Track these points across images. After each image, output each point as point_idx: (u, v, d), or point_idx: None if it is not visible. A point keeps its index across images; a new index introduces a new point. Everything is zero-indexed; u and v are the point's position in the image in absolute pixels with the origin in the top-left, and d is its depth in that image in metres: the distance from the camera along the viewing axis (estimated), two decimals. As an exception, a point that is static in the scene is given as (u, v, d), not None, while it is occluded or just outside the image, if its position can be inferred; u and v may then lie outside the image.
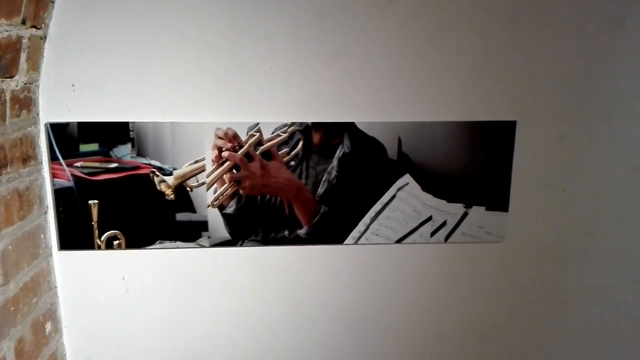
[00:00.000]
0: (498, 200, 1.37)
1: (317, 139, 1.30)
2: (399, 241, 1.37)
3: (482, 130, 1.33)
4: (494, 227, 1.38)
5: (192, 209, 1.33)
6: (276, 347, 1.44)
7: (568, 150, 1.35)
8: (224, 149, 1.29)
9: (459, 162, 1.34)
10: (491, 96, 1.31)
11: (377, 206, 1.35)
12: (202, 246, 1.34)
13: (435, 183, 1.34)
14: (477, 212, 1.37)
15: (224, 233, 1.34)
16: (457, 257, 1.41)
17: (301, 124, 1.29)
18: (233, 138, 1.29)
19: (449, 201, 1.36)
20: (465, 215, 1.37)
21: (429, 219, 1.36)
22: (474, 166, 1.34)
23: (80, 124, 1.24)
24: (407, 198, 1.34)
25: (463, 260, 1.41)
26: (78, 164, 1.27)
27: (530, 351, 1.50)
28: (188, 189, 1.31)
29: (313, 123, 1.29)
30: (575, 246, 1.42)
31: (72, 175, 1.27)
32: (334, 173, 1.32)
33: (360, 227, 1.35)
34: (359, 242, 1.36)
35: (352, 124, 1.29)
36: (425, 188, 1.34)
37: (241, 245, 1.35)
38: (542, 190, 1.38)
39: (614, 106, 1.34)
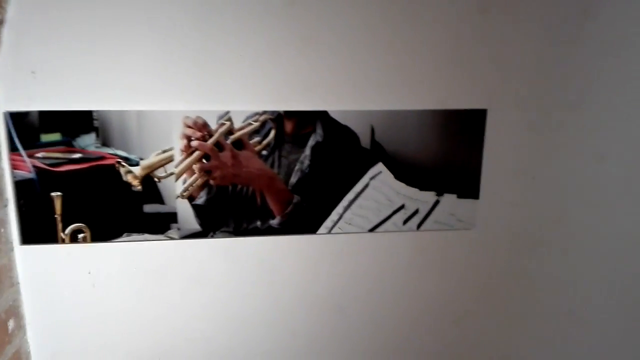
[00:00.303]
0: (469, 188, 1.38)
1: (290, 127, 1.28)
2: (372, 230, 1.37)
3: (454, 119, 1.33)
4: (465, 214, 1.39)
5: (161, 200, 1.29)
6: (251, 339, 1.42)
7: (537, 138, 1.38)
8: (193, 138, 1.26)
9: (431, 151, 1.34)
10: (462, 85, 1.32)
11: (350, 195, 1.34)
12: (172, 238, 1.31)
13: (407, 171, 1.34)
14: (448, 199, 1.38)
15: (194, 224, 1.31)
16: (429, 245, 1.42)
17: (273, 112, 1.27)
18: (202, 127, 1.25)
19: (421, 189, 1.36)
20: (437, 203, 1.38)
21: (402, 207, 1.37)
22: (445, 154, 1.35)
23: (41, 113, 1.19)
24: (380, 187, 1.34)
25: (435, 247, 1.42)
26: (39, 155, 1.21)
27: (500, 335, 1.53)
28: (156, 179, 1.27)
29: (285, 111, 1.27)
30: (544, 232, 1.45)
31: (34, 166, 1.21)
32: (306, 162, 1.30)
33: (334, 216, 1.35)
34: (332, 232, 1.36)
35: (325, 112, 1.28)
36: (398, 177, 1.34)
37: (212, 237, 1.32)
38: (512, 177, 1.40)
39: (582, 94, 1.36)
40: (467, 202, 1.39)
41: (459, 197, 1.38)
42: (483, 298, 1.49)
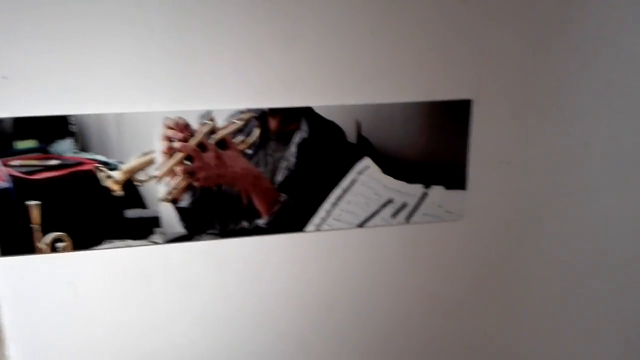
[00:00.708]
0: (457, 179, 1.37)
1: (274, 125, 1.26)
2: (361, 225, 1.36)
3: (440, 110, 1.32)
4: (453, 205, 1.39)
5: (143, 205, 1.25)
6: (239, 341, 1.39)
7: (523, 127, 1.38)
8: (174, 140, 1.22)
9: (418, 143, 1.33)
10: (446, 76, 1.31)
11: (337, 191, 1.32)
12: (156, 243, 1.27)
13: (395, 165, 1.33)
14: (436, 191, 1.37)
15: (178, 228, 1.28)
16: (418, 238, 1.41)
17: (256, 110, 1.24)
18: (184, 128, 1.22)
19: (409, 182, 1.35)
20: (425, 195, 1.37)
21: (390, 201, 1.35)
22: (432, 146, 1.34)
23: (15, 119, 1.14)
24: (367, 181, 1.32)
25: (424, 240, 1.41)
26: (15, 163, 1.16)
27: (492, 324, 1.53)
28: (137, 183, 1.23)
29: (269, 109, 1.24)
30: (532, 219, 1.46)
31: (9, 175, 1.16)
32: (292, 160, 1.28)
33: (322, 213, 1.33)
34: (320, 229, 1.34)
35: (310, 108, 1.26)
36: (385, 170, 1.33)
37: (198, 240, 1.29)
38: (499, 167, 1.39)
39: (566, 82, 1.37)
40: (455, 193, 1.38)
41: (447, 188, 1.38)
42: (473, 288, 1.49)
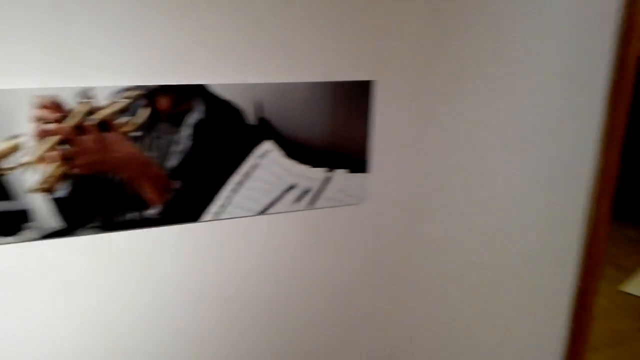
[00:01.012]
0: (359, 162, 1.34)
1: (165, 104, 1.13)
2: (263, 212, 1.28)
3: (342, 92, 1.28)
4: (355, 189, 1.36)
5: (9, 197, 1.08)
6: (133, 344, 1.27)
7: (423, 109, 1.37)
8: (47, 121, 1.06)
9: (322, 126, 1.28)
10: (348, 56, 1.26)
11: (237, 177, 1.23)
12: (28, 240, 1.11)
13: (298, 149, 1.26)
14: (340, 175, 1.33)
15: (55, 222, 1.12)
16: (321, 223, 1.36)
17: (144, 87, 1.11)
18: (58, 107, 1.06)
19: (313, 166, 1.30)
20: (328, 179, 1.32)
21: (294, 186, 1.29)
22: (336, 129, 1.29)
23: None
24: (270, 166, 1.25)
25: (326, 225, 1.37)
26: None
27: (392, 305, 1.54)
28: (1, 172, 1.06)
29: (159, 86, 1.12)
30: (430, 201, 1.47)
31: None
32: (186, 143, 1.17)
33: (220, 201, 1.23)
34: (219, 218, 1.24)
35: (205, 86, 1.15)
36: (289, 154, 1.26)
37: (78, 235, 1.14)
38: (401, 149, 1.38)
39: (466, 63, 1.38)
40: (358, 177, 1.35)
41: (351, 172, 1.34)
42: (374, 271, 1.48)
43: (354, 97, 1.30)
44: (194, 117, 1.16)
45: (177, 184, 1.18)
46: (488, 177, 1.51)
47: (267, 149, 1.23)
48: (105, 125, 1.10)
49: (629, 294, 3.06)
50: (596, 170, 1.64)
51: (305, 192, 1.30)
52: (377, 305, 1.52)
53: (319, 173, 1.31)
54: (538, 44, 1.44)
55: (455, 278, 1.59)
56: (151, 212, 1.18)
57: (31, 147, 1.06)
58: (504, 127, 1.48)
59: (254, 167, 1.23)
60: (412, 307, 1.57)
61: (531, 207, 1.60)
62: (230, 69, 1.16)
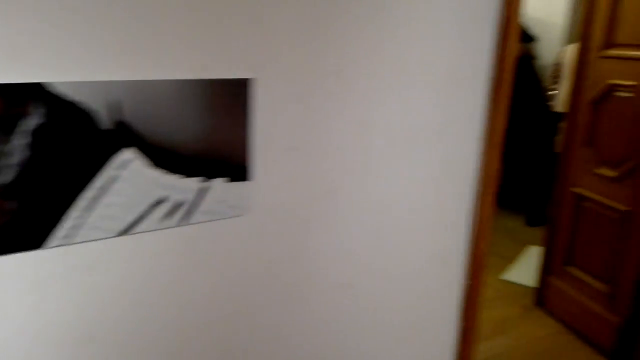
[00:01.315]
0: (240, 169, 1.21)
1: (-13, 107, 0.92)
2: (125, 232, 1.10)
3: (218, 90, 1.13)
4: (237, 199, 1.22)
5: None
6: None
7: (307, 109, 1.27)
8: None
9: (195, 129, 1.12)
10: (224, 51, 1.12)
11: (91, 192, 1.04)
12: None
13: (168, 156, 1.10)
14: (218, 185, 1.19)
15: None
16: (199, 240, 1.21)
17: (-42, 86, 0.88)
18: None
19: (186, 176, 1.14)
20: (205, 190, 1.17)
21: (163, 200, 1.12)
22: (212, 133, 1.15)
23: None
24: (132, 178, 1.07)
25: (205, 242, 1.22)
26: None
27: (286, 321, 1.42)
28: None
29: (-21, 85, 0.90)
30: (318, 207, 1.37)
31: None
32: (22, 154, 0.96)
33: (70, 222, 1.03)
34: (70, 242, 1.04)
35: (43, 85, 0.95)
36: (156, 163, 1.09)
37: None
38: (285, 153, 1.27)
39: (347, 62, 1.30)
40: (239, 186, 1.22)
41: (231, 180, 1.21)
42: (263, 287, 1.35)
43: (231, 97, 1.16)
44: (31, 123, 0.95)
45: (12, 205, 0.96)
46: (376, 179, 1.45)
47: (128, 157, 1.05)
48: None
49: (510, 282, 3.24)
50: (479, 169, 1.66)
51: (178, 206, 1.14)
52: (269, 323, 1.39)
53: (193, 183, 1.15)
54: (421, 42, 1.40)
55: (346, 286, 1.51)
56: (-22, 240, 0.95)
57: None
58: (389, 128, 1.42)
59: (112, 179, 1.05)
60: (306, 321, 1.47)
61: (419, 208, 1.57)
62: (74, 64, 0.96)
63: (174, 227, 1.15)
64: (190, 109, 1.11)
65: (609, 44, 2.40)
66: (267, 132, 1.22)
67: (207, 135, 1.15)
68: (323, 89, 1.27)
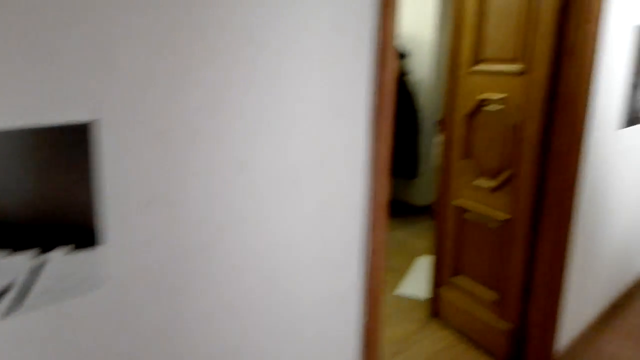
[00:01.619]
0: (87, 233, 0.98)
1: None
2: None
3: (51, 139, 0.90)
4: (86, 271, 0.99)
5: None
6: None
7: (169, 152, 1.07)
8: None
9: (27, 191, 0.88)
10: (54, 91, 0.90)
11: None
12: None
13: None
14: (59, 257, 0.95)
15: None
16: (36, 331, 0.95)
17: None
18: None
19: (13, 250, 0.89)
20: (41, 265, 0.93)
21: (-21, 287, 0.87)
22: (50, 192, 0.91)
23: None
24: None
25: (46, 331, 0.96)
26: None
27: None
28: None
29: None
30: (191, 267, 1.17)
31: None
32: None
33: None
34: None
35: None
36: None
37: None
38: (143, 208, 1.06)
39: (218, 99, 1.12)
40: (88, 254, 0.99)
41: (77, 247, 0.97)
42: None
43: (71, 146, 0.93)
44: None
45: None
46: (257, 225, 1.28)
47: None
48: None
49: (403, 297, 3.25)
50: (368, 197, 1.57)
51: (3, 291, 0.89)
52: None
53: (22, 260, 0.90)
54: (297, 75, 1.27)
55: (233, 352, 1.33)
56: None
57: None
58: (270, 166, 1.27)
59: None
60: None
61: (309, 249, 1.44)
62: None
63: (-3, 321, 0.89)
64: (16, 164, 0.87)
65: (478, 60, 2.48)
66: (118, 184, 1.00)
67: (42, 196, 0.91)
68: (187, 127, 1.09)
